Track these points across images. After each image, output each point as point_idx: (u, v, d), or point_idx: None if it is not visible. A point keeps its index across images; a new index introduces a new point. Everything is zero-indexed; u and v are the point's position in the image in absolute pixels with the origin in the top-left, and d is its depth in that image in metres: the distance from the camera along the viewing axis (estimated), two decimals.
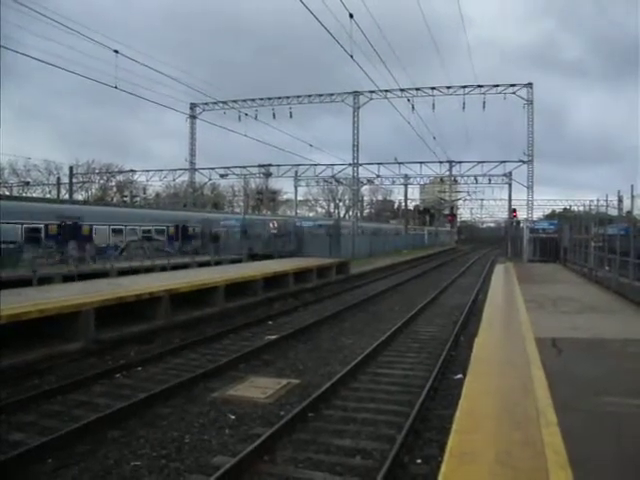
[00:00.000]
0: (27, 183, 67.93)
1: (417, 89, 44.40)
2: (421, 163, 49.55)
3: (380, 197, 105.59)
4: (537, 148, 46.14)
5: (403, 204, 76.32)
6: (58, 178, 65.26)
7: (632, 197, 16.57)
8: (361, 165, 48.92)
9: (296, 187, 59.11)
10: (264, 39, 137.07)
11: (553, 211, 75.27)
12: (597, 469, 3.97)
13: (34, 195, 63.83)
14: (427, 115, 43.69)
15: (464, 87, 44.37)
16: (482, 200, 78.63)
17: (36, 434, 6.93)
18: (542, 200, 77.07)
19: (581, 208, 28.59)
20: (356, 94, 46.52)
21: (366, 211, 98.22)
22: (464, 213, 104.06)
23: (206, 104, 49.56)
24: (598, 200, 21.95)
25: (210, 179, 56.98)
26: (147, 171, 56.58)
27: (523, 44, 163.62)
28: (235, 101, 48.38)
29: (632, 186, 15.98)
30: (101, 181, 77.17)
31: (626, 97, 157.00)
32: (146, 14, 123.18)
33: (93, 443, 6.68)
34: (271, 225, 41.47)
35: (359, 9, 20.18)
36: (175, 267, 26.05)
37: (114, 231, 33.61)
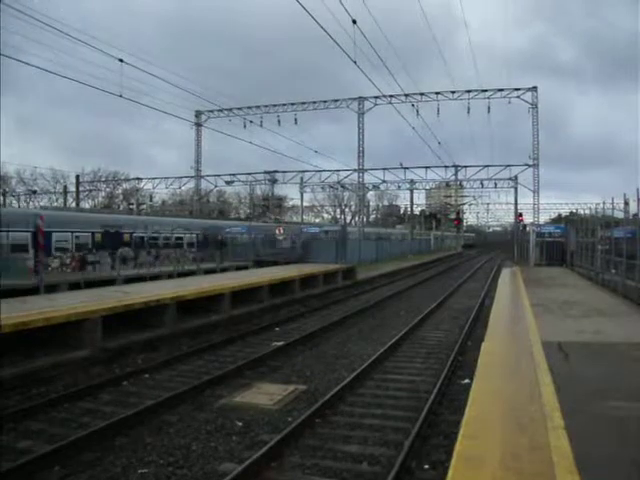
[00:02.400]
0: (34, 192, 68.31)
1: (421, 94, 44.48)
2: (426, 168, 49.50)
3: (386, 202, 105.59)
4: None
5: (409, 209, 76.28)
6: (65, 187, 65.59)
7: (638, 200, 16.48)
8: (366, 171, 48.95)
9: (302, 193, 59.16)
10: (261, 44, 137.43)
11: (559, 215, 75.07)
12: (604, 473, 3.95)
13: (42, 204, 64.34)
14: (432, 120, 43.61)
15: (468, 92, 44.47)
16: (488, 204, 78.55)
17: (43, 442, 6.95)
18: (548, 204, 77.02)
19: (587, 211, 28.46)
20: (361, 99, 46.67)
21: (372, 216, 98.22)
22: (470, 217, 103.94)
23: (211, 111, 49.78)
24: (604, 203, 21.85)
25: (216, 186, 57.16)
26: (153, 179, 56.89)
27: (516, 48, 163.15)
28: (240, 108, 48.59)
29: (638, 189, 15.91)
30: (107, 189, 77.55)
31: (623, 99, 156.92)
32: (141, 22, 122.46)
33: (100, 451, 6.70)
34: (277, 231, 41.51)
35: (361, 14, 20.21)
36: (181, 274, 26.14)
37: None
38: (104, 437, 6.99)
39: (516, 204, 49.24)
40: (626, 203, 22.00)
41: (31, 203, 69.16)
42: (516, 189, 48.17)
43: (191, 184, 56.11)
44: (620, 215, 22.28)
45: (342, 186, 55.19)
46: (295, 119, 47.11)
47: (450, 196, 76.94)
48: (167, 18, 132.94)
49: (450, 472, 3.91)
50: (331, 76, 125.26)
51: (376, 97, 44.69)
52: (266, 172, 54.29)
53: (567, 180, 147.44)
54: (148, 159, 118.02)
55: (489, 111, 44.28)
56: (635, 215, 19.04)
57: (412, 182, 54.05)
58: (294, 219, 75.41)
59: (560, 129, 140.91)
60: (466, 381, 9.21)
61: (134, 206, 68.21)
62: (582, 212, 32.79)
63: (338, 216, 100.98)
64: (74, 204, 55.31)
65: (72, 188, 60.13)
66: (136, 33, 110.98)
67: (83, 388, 9.22)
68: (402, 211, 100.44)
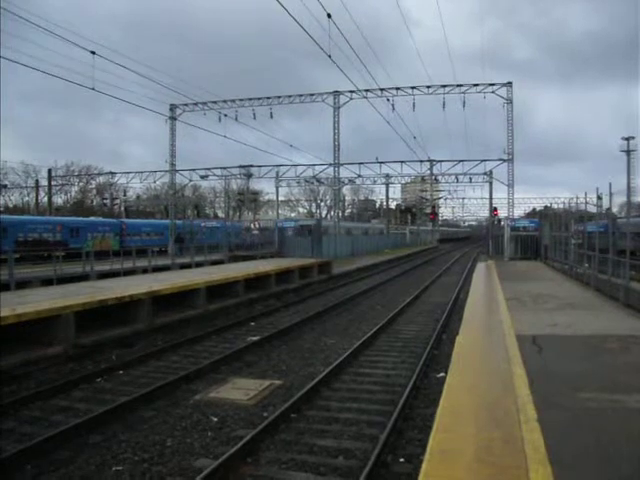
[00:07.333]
0: (4, 186, 67.07)
1: (397, 88, 44.46)
2: (402, 162, 49.47)
3: (362, 197, 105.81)
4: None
5: (385, 203, 76.48)
6: (37, 181, 64.63)
7: (610, 194, 16.75)
8: (342, 165, 48.89)
9: (277, 188, 58.96)
10: (229, 40, 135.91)
11: (534, 209, 75.89)
12: (576, 464, 4.00)
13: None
14: (407, 114, 43.64)
15: (444, 86, 44.49)
16: (463, 199, 79.03)
17: (14, 441, 6.83)
18: (522, 199, 77.91)
19: (560, 206, 28.87)
20: (336, 94, 46.54)
21: (348, 211, 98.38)
22: (445, 212, 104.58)
23: (186, 105, 49.18)
24: (577, 197, 22.19)
25: (190, 180, 56.57)
26: (127, 173, 55.90)
27: (474, 46, 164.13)
28: (215, 102, 48.12)
29: (610, 184, 16.12)
30: (80, 184, 76.44)
31: (579, 96, 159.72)
32: (98, 16, 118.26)
33: (74, 449, 6.61)
34: (252, 226, 41.38)
35: (334, 9, 20.15)
36: (156, 269, 25.94)
37: None
38: (77, 435, 6.91)
39: (491, 199, 49.62)
40: (599, 197, 22.37)
41: (1, 198, 68.02)
42: (491, 184, 48.51)
43: (165, 178, 55.27)
44: (592, 209, 22.63)
45: (318, 180, 55.10)
46: (271, 113, 46.79)
47: (425, 190, 77.23)
48: (123, 13, 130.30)
49: (424, 465, 3.93)
50: (304, 73, 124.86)
51: (351, 91, 44.60)
52: (241, 166, 53.90)
53: (534, 174, 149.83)
54: (121, 153, 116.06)
55: (464, 106, 44.42)
56: (608, 209, 19.33)
57: (387, 176, 54.19)
58: (270, 213, 75.23)
59: (525, 125, 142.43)
60: (441, 374, 9.28)
61: (108, 201, 67.41)
62: (555, 206, 33.21)
63: (314, 210, 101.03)
64: (46, 199, 54.42)
65: (44, 182, 59.21)
66: (92, 26, 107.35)
67: (56, 385, 9.10)
68: (378, 205, 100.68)
